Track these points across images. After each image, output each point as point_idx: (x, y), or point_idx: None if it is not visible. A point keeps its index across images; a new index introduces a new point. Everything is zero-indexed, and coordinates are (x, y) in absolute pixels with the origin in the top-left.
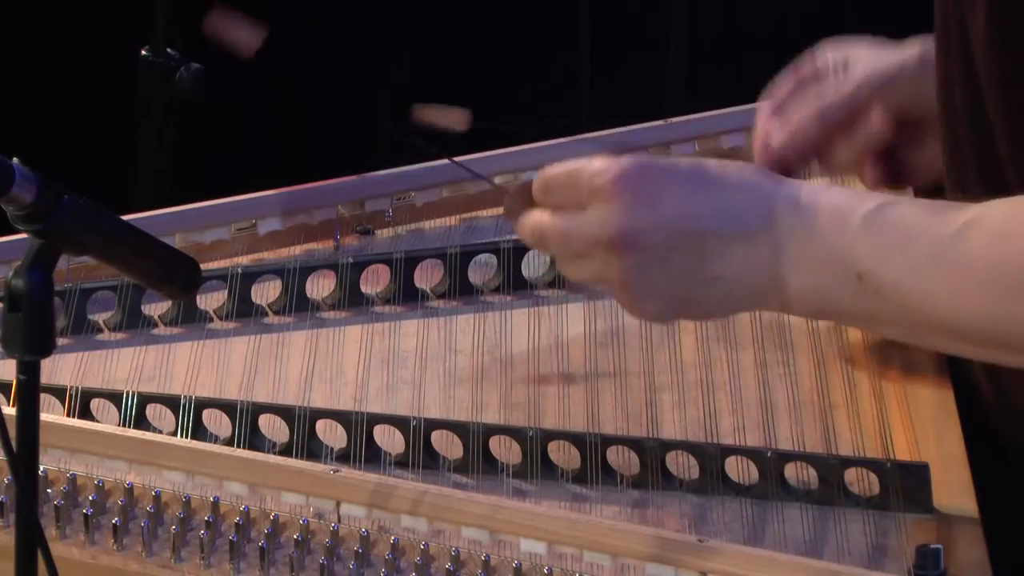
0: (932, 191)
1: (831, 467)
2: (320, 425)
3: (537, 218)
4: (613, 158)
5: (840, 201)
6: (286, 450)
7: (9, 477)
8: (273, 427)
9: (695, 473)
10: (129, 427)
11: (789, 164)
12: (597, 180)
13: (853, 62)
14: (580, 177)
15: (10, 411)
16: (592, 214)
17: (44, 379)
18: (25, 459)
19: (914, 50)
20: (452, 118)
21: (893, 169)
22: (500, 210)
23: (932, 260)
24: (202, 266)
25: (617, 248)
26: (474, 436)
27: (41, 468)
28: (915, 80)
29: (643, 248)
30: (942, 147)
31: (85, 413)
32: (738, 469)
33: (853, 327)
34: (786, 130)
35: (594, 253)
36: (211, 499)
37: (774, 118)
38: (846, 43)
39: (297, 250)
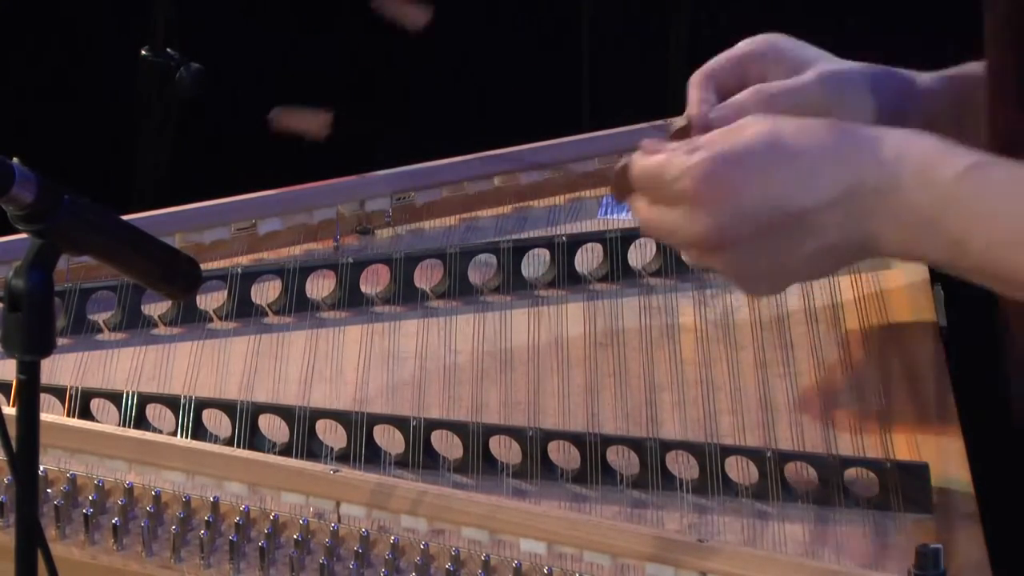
0: None
1: (831, 467)
2: (320, 425)
3: (639, 207)
4: (690, 156)
5: (927, 156)
6: (286, 450)
7: (9, 477)
8: (273, 427)
9: (695, 473)
10: (129, 427)
11: None
12: (679, 184)
13: (806, 59)
14: (663, 178)
15: (10, 411)
16: (681, 215)
17: (44, 379)
18: (25, 459)
19: (861, 65)
20: (312, 122)
21: None
22: (500, 210)
23: (1020, 229)
24: (202, 266)
25: (710, 247)
26: (474, 436)
27: (41, 468)
28: (867, 89)
29: (734, 243)
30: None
31: (85, 413)
32: (738, 469)
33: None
34: (727, 104)
35: (694, 250)
36: (211, 499)
37: (710, 89)
38: (786, 41)
39: (297, 250)
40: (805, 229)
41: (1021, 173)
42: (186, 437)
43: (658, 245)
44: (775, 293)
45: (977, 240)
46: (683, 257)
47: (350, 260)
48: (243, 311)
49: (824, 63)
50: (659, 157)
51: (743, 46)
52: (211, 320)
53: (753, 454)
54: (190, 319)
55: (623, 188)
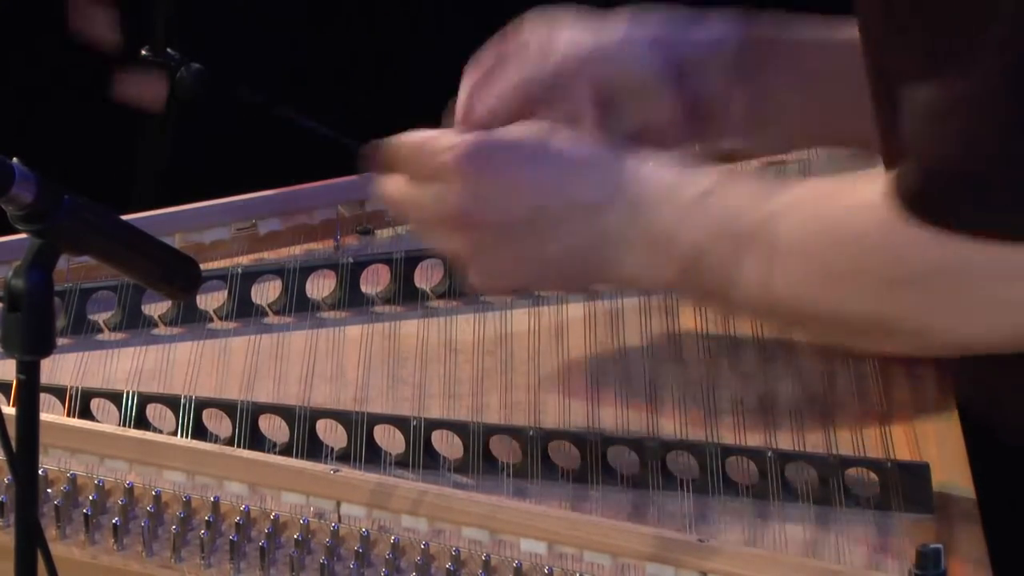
0: None
1: (831, 467)
2: (320, 425)
3: (390, 185)
4: (461, 135)
5: (674, 178)
6: (286, 450)
7: (9, 477)
8: (273, 427)
9: (695, 473)
10: (129, 427)
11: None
12: (441, 157)
13: (556, 37)
14: (426, 152)
15: (10, 411)
16: (435, 190)
17: (44, 379)
18: (25, 459)
19: (618, 26)
20: (150, 91)
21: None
22: None
23: (747, 246)
24: (202, 266)
25: (457, 226)
26: (474, 436)
27: (41, 468)
28: (615, 57)
29: (481, 226)
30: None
31: (85, 413)
32: (738, 469)
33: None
34: (487, 101)
35: (440, 228)
36: (211, 499)
37: (477, 88)
38: (550, 16)
39: (297, 250)
40: (552, 229)
41: (751, 195)
42: (186, 437)
43: None
44: (505, 292)
45: (708, 256)
46: (426, 237)
47: (350, 260)
48: (243, 311)
49: (568, 42)
50: (427, 132)
51: (498, 40)
52: (211, 320)
53: (753, 454)
54: (190, 319)
55: (383, 166)
